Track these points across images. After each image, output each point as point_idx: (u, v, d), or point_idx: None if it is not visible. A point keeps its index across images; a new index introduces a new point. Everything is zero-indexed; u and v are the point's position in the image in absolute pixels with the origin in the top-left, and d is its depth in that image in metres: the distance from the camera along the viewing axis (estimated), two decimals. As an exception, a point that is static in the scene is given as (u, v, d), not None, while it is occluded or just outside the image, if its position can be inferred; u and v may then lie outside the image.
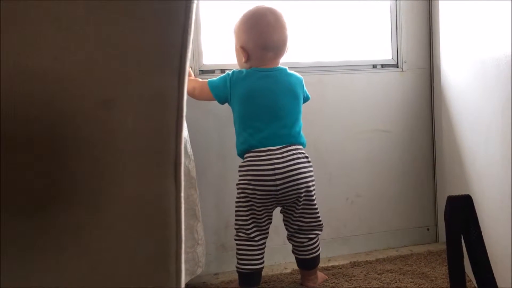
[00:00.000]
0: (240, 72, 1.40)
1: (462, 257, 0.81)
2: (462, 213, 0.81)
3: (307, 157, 1.39)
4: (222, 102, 1.43)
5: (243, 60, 1.41)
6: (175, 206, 0.40)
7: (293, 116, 1.40)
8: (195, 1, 0.42)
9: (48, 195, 0.38)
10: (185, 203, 1.39)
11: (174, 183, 0.40)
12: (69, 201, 0.39)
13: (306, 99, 1.48)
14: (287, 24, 1.42)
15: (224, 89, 1.40)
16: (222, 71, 1.60)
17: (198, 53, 1.59)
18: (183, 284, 0.42)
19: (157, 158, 0.40)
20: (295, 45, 1.63)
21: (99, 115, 0.38)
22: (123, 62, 0.38)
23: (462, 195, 0.81)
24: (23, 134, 0.38)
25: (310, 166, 1.39)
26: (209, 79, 1.44)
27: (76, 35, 0.37)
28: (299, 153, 1.37)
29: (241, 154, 1.41)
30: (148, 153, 0.39)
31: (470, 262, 0.83)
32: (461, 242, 0.81)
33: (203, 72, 1.60)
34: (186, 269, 1.39)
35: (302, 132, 1.42)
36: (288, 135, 1.38)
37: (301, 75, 1.60)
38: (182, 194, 0.41)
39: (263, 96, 1.37)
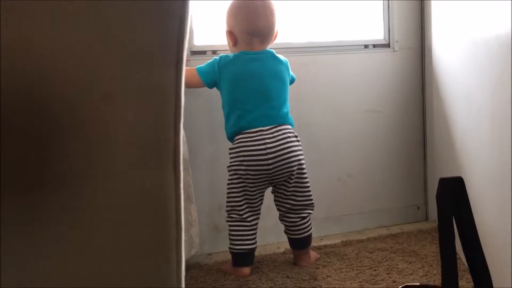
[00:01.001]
0: (227, 56, 1.42)
1: (454, 237, 0.82)
2: (453, 195, 0.82)
3: (296, 136, 1.42)
4: (211, 86, 1.44)
5: (231, 44, 1.42)
6: (174, 195, 0.41)
7: (281, 97, 1.42)
8: (192, -10, 0.41)
9: (46, 186, 0.38)
10: (178, 185, 1.40)
11: (173, 173, 0.41)
12: (68, 192, 0.39)
13: (292, 80, 1.50)
14: (276, 10, 1.43)
15: (213, 74, 1.41)
16: (214, 52, 1.59)
17: (189, 33, 1.57)
18: (183, 272, 0.42)
19: (156, 149, 0.40)
20: (287, 26, 1.62)
21: (98, 109, 0.38)
22: (121, 55, 0.38)
23: (453, 177, 0.82)
24: (22, 129, 0.38)
25: (300, 145, 1.42)
26: (197, 66, 1.44)
27: (74, 29, 0.36)
28: (289, 132, 1.40)
29: (230, 137, 1.42)
30: (147, 145, 0.39)
31: (461, 243, 0.85)
32: (452, 223, 0.83)
33: (194, 53, 1.58)
34: (180, 250, 1.41)
35: (289, 114, 1.44)
36: (277, 116, 1.40)
37: (293, 55, 1.61)
38: (182, 184, 0.42)
39: (251, 79, 1.39)
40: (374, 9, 1.76)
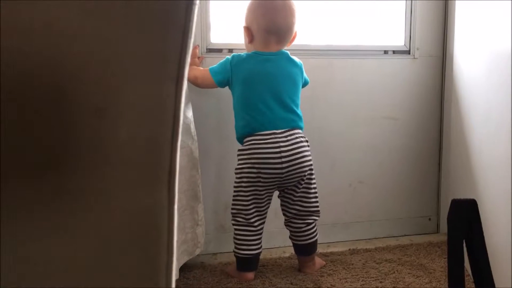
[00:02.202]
0: (239, 55, 1.40)
1: (463, 261, 0.79)
2: (465, 218, 0.79)
3: (307, 141, 1.41)
4: (223, 86, 1.42)
5: (248, 41, 1.40)
6: (167, 218, 0.39)
7: (294, 100, 1.40)
8: (197, 3, 0.39)
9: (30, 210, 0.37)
10: (186, 184, 1.39)
11: (167, 195, 0.38)
12: (60, 206, 0.37)
13: (305, 83, 1.47)
14: (296, 11, 1.40)
15: (225, 73, 1.39)
16: (230, 50, 1.57)
17: (206, 29, 1.55)
18: (172, 297, 0.40)
19: (150, 169, 0.38)
20: (306, 27, 1.59)
21: (91, 124, 0.36)
22: (119, 69, 0.36)
23: (467, 199, 0.79)
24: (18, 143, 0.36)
25: (309, 150, 1.40)
26: (210, 67, 1.42)
27: (70, 40, 0.34)
28: (301, 136, 1.39)
29: (240, 138, 1.39)
30: (141, 164, 0.37)
31: (471, 267, 0.82)
32: (462, 247, 0.80)
33: (210, 50, 1.56)
34: (185, 250, 1.40)
35: (302, 117, 1.41)
36: (290, 119, 1.38)
37: (310, 57, 1.58)
38: (176, 206, 0.40)
39: (264, 80, 1.37)
40: (396, 15, 1.72)
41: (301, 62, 1.43)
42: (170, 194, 0.39)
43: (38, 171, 0.38)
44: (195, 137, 1.43)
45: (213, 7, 1.56)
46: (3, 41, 0.36)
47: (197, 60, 1.50)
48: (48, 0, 0.35)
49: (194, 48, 1.51)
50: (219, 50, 1.57)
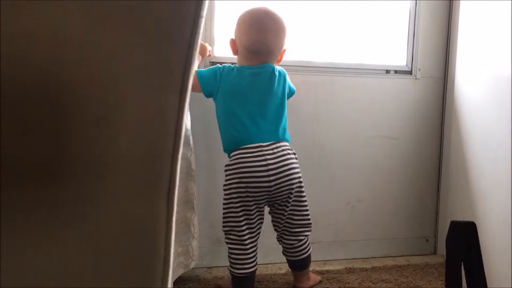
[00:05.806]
0: (229, 67, 1.39)
1: (461, 284, 0.79)
2: (464, 240, 0.79)
3: (294, 153, 1.38)
4: (207, 95, 1.40)
5: (232, 52, 1.41)
6: (165, 230, 0.38)
7: (279, 113, 1.38)
8: (204, 17, 0.39)
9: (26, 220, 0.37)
10: (183, 196, 1.38)
11: (166, 207, 0.38)
12: (51, 223, 0.37)
13: (292, 93, 1.46)
14: (283, 30, 1.39)
15: (214, 82, 1.37)
16: (232, 64, 1.57)
17: (210, 43, 1.56)
18: (167, 311, 0.40)
19: (149, 181, 0.37)
20: (309, 44, 1.60)
21: (92, 132, 0.35)
22: (122, 79, 0.36)
23: (466, 221, 0.79)
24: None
25: (298, 162, 1.38)
26: (197, 70, 1.40)
27: (75, 49, 0.34)
28: (288, 149, 1.37)
29: (227, 150, 1.38)
30: (140, 176, 0.37)
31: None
32: (460, 269, 0.79)
33: (213, 64, 1.57)
34: (180, 262, 1.39)
35: (287, 130, 1.41)
36: (275, 132, 1.37)
37: (313, 74, 1.58)
38: (174, 218, 0.39)
39: (249, 94, 1.36)
40: (399, 35, 1.73)
41: (284, 70, 1.42)
42: (169, 206, 0.38)
43: (37, 178, 0.38)
44: (193, 149, 1.42)
45: (217, 22, 1.57)
46: (5, 48, 0.36)
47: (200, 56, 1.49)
48: (54, 8, 0.36)
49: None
50: (221, 64, 1.58)
